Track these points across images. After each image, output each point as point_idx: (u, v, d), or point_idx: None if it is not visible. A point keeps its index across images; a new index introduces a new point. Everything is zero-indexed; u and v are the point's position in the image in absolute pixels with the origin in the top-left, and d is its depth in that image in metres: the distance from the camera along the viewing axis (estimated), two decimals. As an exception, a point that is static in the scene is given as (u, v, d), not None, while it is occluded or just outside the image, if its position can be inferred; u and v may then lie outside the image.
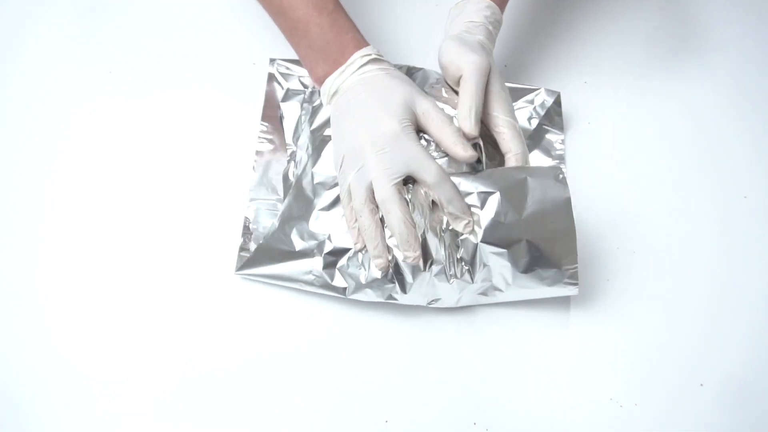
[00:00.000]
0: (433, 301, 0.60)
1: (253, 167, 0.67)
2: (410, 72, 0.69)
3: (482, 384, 0.60)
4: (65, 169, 0.68)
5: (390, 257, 0.57)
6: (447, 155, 0.59)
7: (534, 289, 0.58)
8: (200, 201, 0.66)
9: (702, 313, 0.63)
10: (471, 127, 0.57)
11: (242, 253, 0.63)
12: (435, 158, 0.57)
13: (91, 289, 0.63)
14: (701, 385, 0.60)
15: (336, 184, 0.61)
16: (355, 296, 0.60)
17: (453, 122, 0.58)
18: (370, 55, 0.60)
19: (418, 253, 0.56)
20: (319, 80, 0.62)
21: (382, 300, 0.60)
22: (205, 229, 0.65)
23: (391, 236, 0.57)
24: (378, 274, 0.58)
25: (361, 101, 0.58)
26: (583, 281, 0.64)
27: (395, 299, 0.59)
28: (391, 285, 0.58)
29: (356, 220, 0.57)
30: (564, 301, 0.63)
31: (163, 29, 0.75)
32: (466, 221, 0.56)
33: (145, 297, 0.62)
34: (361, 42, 0.61)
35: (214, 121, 0.70)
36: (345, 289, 0.60)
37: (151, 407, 0.58)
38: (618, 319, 0.62)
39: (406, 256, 0.56)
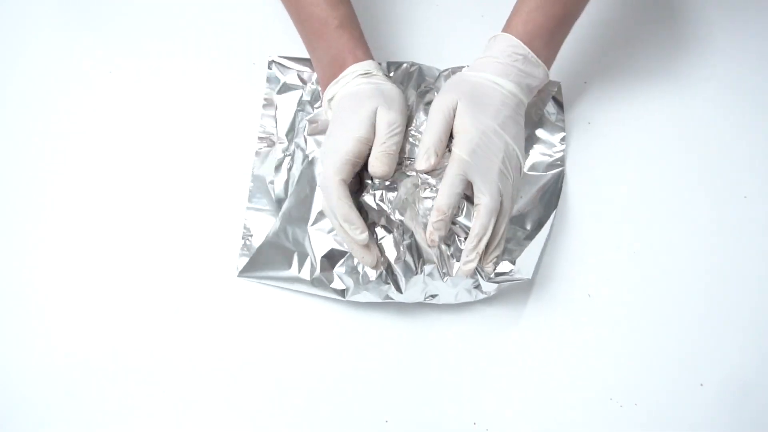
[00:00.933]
0: (431, 296, 0.60)
1: (252, 169, 0.67)
2: (409, 69, 0.68)
3: (482, 384, 0.60)
4: (65, 169, 0.68)
5: (380, 257, 0.59)
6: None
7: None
8: (200, 201, 0.66)
9: (702, 313, 0.63)
10: (421, 165, 0.58)
11: (242, 257, 0.63)
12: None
13: (91, 289, 0.63)
14: (701, 385, 0.60)
15: None
16: (354, 298, 0.60)
17: (388, 140, 0.59)
18: (362, 69, 0.62)
19: (372, 255, 0.59)
20: (322, 88, 0.64)
21: (380, 300, 0.60)
22: (205, 230, 0.65)
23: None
24: (372, 275, 0.58)
25: (344, 109, 0.61)
26: (583, 281, 0.64)
27: (392, 299, 0.59)
28: (386, 286, 0.58)
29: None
30: (564, 302, 0.63)
31: (163, 29, 0.75)
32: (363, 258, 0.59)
33: (145, 297, 0.62)
34: (359, 56, 0.62)
35: (214, 121, 0.70)
36: (344, 291, 0.60)
37: (151, 407, 0.58)
38: (618, 319, 0.62)
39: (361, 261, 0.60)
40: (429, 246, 0.58)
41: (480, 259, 0.58)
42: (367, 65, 0.62)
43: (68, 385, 0.59)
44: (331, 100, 0.63)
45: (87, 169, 0.68)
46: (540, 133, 0.68)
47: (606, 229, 0.66)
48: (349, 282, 0.60)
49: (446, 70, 0.68)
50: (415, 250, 0.59)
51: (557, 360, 0.61)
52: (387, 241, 0.59)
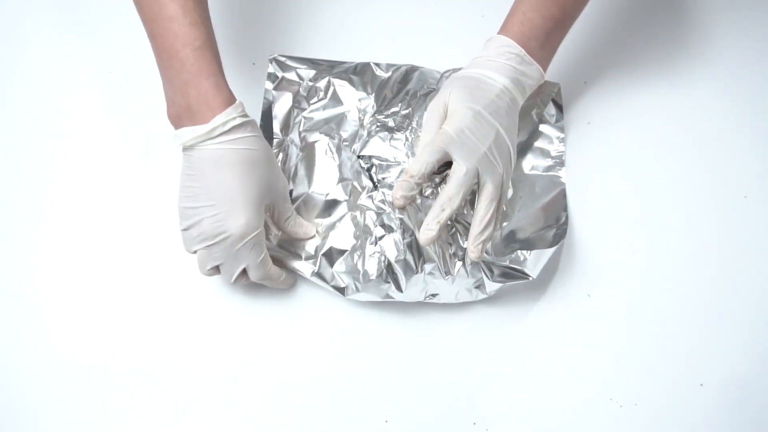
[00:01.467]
0: (431, 296, 0.60)
1: None
2: (409, 72, 0.68)
3: (482, 384, 0.60)
4: (65, 169, 0.68)
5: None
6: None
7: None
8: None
9: (702, 313, 0.63)
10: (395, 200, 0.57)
11: None
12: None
13: (91, 289, 0.63)
14: (701, 385, 0.60)
15: (327, 194, 0.63)
16: (354, 297, 0.60)
17: (294, 228, 0.61)
18: (235, 118, 0.55)
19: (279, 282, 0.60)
20: (174, 121, 0.57)
21: (380, 299, 0.60)
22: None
23: (383, 237, 0.58)
24: (373, 272, 0.59)
25: (213, 181, 0.54)
26: (583, 281, 0.64)
27: (392, 298, 0.59)
28: (387, 285, 0.58)
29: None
30: (564, 302, 0.63)
31: (163, 29, 0.75)
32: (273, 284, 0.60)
33: (145, 297, 0.62)
34: (223, 89, 0.56)
35: (214, 121, 0.70)
36: (344, 289, 0.60)
37: (151, 407, 0.58)
38: (618, 319, 0.62)
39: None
40: (395, 204, 0.57)
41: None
42: (235, 110, 0.55)
43: (68, 385, 0.59)
44: (190, 148, 0.55)
45: (87, 169, 0.68)
46: (540, 133, 0.68)
47: (606, 229, 0.66)
48: (349, 281, 0.60)
49: (448, 71, 0.68)
50: (415, 249, 0.59)
51: (557, 360, 0.61)
52: (387, 240, 0.59)
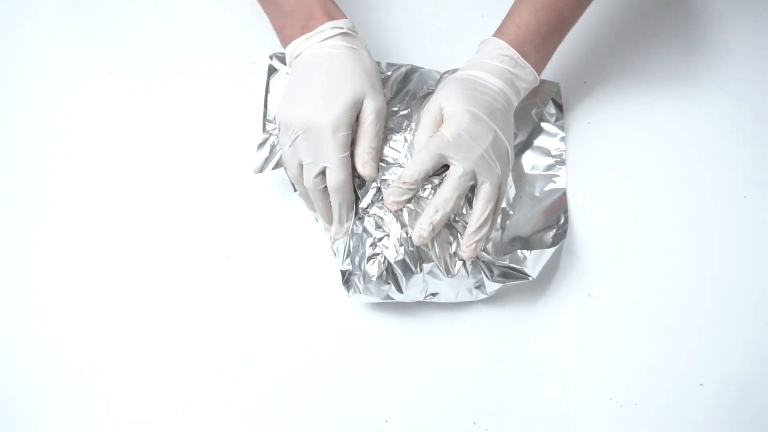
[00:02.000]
0: (431, 295, 0.60)
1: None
2: (409, 73, 0.68)
3: (482, 384, 0.60)
4: (65, 168, 0.68)
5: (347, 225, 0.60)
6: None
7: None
8: (199, 201, 0.66)
9: (702, 313, 0.63)
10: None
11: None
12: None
13: (91, 289, 0.63)
14: (701, 385, 0.60)
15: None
16: (354, 298, 0.60)
17: (377, 136, 0.59)
18: (341, 28, 0.59)
19: (345, 227, 0.60)
20: (285, 42, 0.61)
21: (380, 300, 0.60)
22: (204, 230, 0.65)
23: (382, 238, 0.58)
24: (337, 242, 0.60)
25: (313, 80, 0.58)
26: (583, 281, 0.64)
27: (393, 299, 0.59)
28: (387, 286, 0.58)
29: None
30: (564, 302, 0.63)
31: (163, 29, 0.75)
32: (334, 230, 0.60)
33: (145, 298, 0.62)
34: (332, 9, 0.60)
35: (214, 121, 0.70)
36: (346, 273, 0.59)
37: (151, 407, 0.58)
38: (618, 319, 0.62)
39: (333, 230, 0.60)
40: (387, 209, 0.57)
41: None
42: (345, 23, 0.59)
43: (68, 385, 0.59)
44: (297, 58, 0.59)
45: (87, 169, 0.68)
46: (540, 132, 0.68)
47: (606, 229, 0.66)
48: (350, 280, 0.59)
49: (447, 71, 0.68)
50: (414, 249, 0.59)
51: (557, 360, 0.61)
52: (386, 242, 0.59)
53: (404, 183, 0.56)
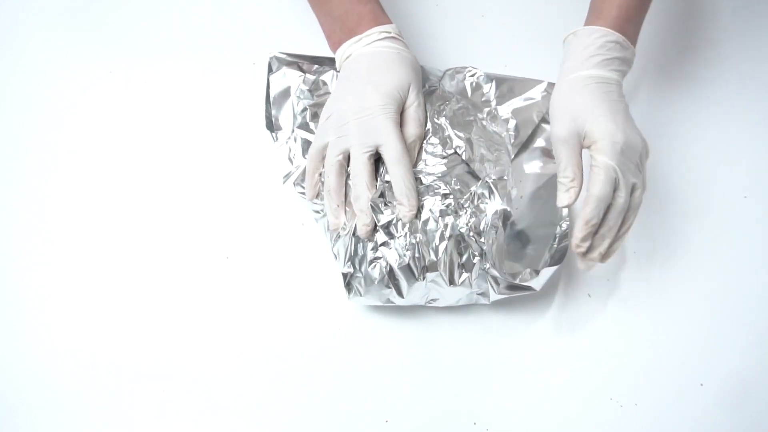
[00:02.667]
0: (431, 300, 0.60)
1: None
2: None
3: (482, 384, 0.60)
4: (65, 169, 0.68)
5: (346, 220, 0.59)
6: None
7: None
8: (200, 201, 0.66)
9: (702, 313, 0.63)
10: (564, 201, 0.57)
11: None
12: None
13: (91, 289, 0.63)
14: (701, 385, 0.60)
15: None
16: (355, 301, 0.60)
17: (422, 126, 0.61)
18: (389, 33, 0.61)
19: (371, 218, 0.58)
20: (335, 46, 0.63)
21: (381, 304, 0.60)
22: (205, 230, 0.65)
23: (383, 243, 0.58)
24: (331, 233, 0.59)
25: (361, 72, 0.60)
26: (583, 281, 0.64)
27: (393, 302, 0.59)
28: (388, 290, 0.58)
29: (321, 174, 0.60)
30: (564, 301, 0.63)
31: (163, 29, 0.75)
32: (406, 208, 0.57)
33: (145, 298, 0.62)
34: (380, 15, 0.62)
35: (214, 121, 0.70)
36: (347, 275, 0.59)
37: (151, 407, 0.58)
38: (618, 319, 0.62)
39: (360, 221, 0.58)
40: (581, 261, 0.57)
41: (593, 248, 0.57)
42: (392, 29, 0.62)
43: (68, 385, 0.59)
44: (347, 60, 0.61)
45: (87, 169, 0.68)
46: (540, 132, 0.68)
47: (606, 229, 0.66)
48: (351, 283, 0.59)
49: (450, 69, 0.68)
50: (418, 255, 0.58)
51: (557, 360, 0.61)
52: (389, 246, 0.58)
53: (590, 226, 0.55)
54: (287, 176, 0.64)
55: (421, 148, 0.62)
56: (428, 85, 0.67)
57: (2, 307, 0.62)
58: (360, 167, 0.58)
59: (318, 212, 0.63)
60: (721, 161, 0.69)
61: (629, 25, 0.59)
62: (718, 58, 0.74)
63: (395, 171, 0.57)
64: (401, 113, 0.60)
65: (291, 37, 0.75)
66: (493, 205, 0.58)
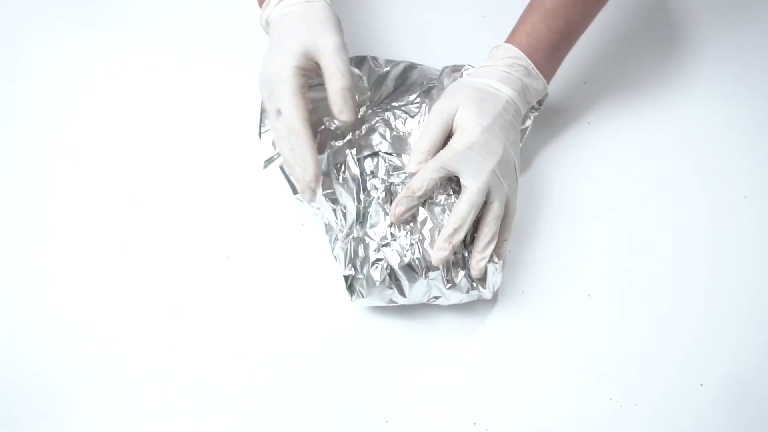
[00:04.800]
0: (434, 298, 0.60)
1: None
2: (407, 69, 0.68)
3: (482, 384, 0.60)
4: (65, 169, 0.68)
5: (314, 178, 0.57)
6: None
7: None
8: (200, 201, 0.66)
9: (702, 313, 0.63)
10: (412, 168, 0.58)
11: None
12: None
13: (90, 289, 0.63)
14: (701, 385, 0.60)
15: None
16: (358, 302, 0.60)
17: (342, 75, 0.56)
18: None
19: (311, 176, 0.56)
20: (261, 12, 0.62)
21: (384, 304, 0.60)
22: (205, 230, 0.65)
23: (386, 244, 0.58)
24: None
25: (273, 37, 0.59)
26: (582, 281, 0.64)
27: (396, 302, 0.59)
28: (390, 290, 0.58)
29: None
30: (564, 301, 0.63)
31: (162, 29, 0.75)
32: (299, 171, 0.57)
33: (144, 298, 0.62)
34: None
35: (214, 121, 0.70)
36: (348, 278, 0.59)
37: (150, 407, 0.58)
38: (618, 319, 0.62)
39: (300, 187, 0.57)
40: (394, 221, 0.57)
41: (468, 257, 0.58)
42: None
43: (67, 385, 0.59)
44: (267, 25, 0.61)
45: (87, 169, 0.68)
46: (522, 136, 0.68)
47: (606, 229, 0.66)
48: (354, 285, 0.59)
49: (447, 67, 0.68)
50: (419, 254, 0.58)
51: (557, 360, 0.61)
52: (390, 247, 0.58)
53: (412, 193, 0.56)
54: (269, 160, 0.63)
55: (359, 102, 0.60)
56: (426, 83, 0.67)
57: (2, 307, 0.62)
58: (278, 138, 0.58)
59: (318, 209, 0.63)
60: (721, 161, 0.69)
61: (539, 54, 0.61)
62: (719, 57, 0.74)
63: (291, 143, 0.56)
64: (322, 71, 0.57)
65: (291, 37, 0.74)
66: None
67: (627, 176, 0.68)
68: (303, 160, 0.56)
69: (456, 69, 0.67)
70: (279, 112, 0.57)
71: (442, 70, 0.68)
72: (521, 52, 0.61)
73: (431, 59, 0.71)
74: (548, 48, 0.61)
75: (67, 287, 0.63)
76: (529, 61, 0.61)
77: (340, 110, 0.56)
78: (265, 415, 0.58)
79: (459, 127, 0.58)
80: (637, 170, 0.69)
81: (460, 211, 0.56)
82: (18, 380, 0.59)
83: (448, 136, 0.59)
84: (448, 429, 0.58)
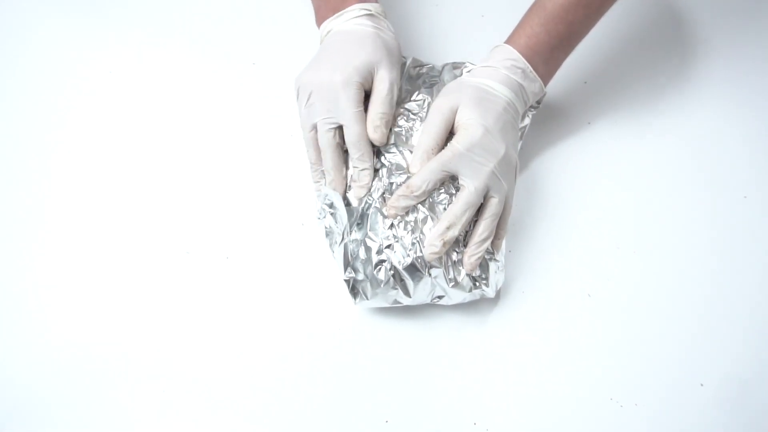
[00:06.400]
0: (437, 297, 0.60)
1: None
2: (414, 65, 0.68)
3: (482, 384, 0.60)
4: (65, 169, 0.68)
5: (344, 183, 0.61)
6: None
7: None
8: (199, 201, 0.66)
9: (702, 312, 0.63)
10: (415, 168, 0.58)
11: None
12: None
13: (90, 289, 0.63)
14: (701, 385, 0.60)
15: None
16: (362, 304, 0.60)
17: (389, 104, 0.60)
18: (369, 10, 0.62)
19: (341, 187, 0.60)
20: (319, 22, 0.64)
21: (388, 305, 0.60)
22: (205, 230, 0.65)
23: (389, 245, 0.58)
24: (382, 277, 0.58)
25: (333, 48, 0.60)
26: (583, 281, 0.64)
27: (400, 303, 0.59)
28: (395, 291, 0.58)
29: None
30: (564, 301, 0.63)
31: (163, 29, 0.75)
32: (357, 185, 0.60)
33: (145, 298, 0.62)
34: None
35: (213, 121, 0.70)
36: (350, 282, 0.59)
37: (150, 407, 0.58)
38: (618, 319, 0.62)
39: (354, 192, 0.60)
40: (387, 214, 0.58)
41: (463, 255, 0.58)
42: (374, 7, 0.62)
43: (67, 385, 0.59)
44: (327, 35, 0.62)
45: (87, 169, 0.68)
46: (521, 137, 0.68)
47: (606, 229, 0.66)
48: (357, 287, 0.59)
49: (447, 64, 0.68)
50: (422, 254, 0.58)
51: (557, 360, 0.61)
52: (393, 248, 0.58)
53: (411, 192, 0.57)
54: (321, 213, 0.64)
55: (392, 129, 0.61)
56: (428, 78, 0.67)
57: (2, 307, 0.62)
58: (326, 143, 0.59)
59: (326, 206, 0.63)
60: (721, 161, 0.69)
61: (537, 57, 0.61)
62: (717, 57, 0.74)
63: (352, 153, 0.59)
64: (371, 91, 0.60)
65: (291, 38, 0.75)
66: None
67: (627, 176, 0.68)
68: (362, 163, 0.59)
69: (456, 66, 0.67)
70: (334, 122, 0.59)
71: (443, 67, 0.68)
72: (519, 55, 0.61)
73: (431, 59, 0.71)
74: (547, 52, 0.62)
75: (66, 287, 0.63)
76: (527, 64, 0.61)
77: (375, 129, 0.59)
78: (266, 415, 0.58)
79: (461, 126, 0.58)
80: (638, 170, 0.69)
81: (454, 209, 0.56)
82: (18, 380, 0.59)
83: (449, 136, 0.59)
84: (448, 429, 0.58)
